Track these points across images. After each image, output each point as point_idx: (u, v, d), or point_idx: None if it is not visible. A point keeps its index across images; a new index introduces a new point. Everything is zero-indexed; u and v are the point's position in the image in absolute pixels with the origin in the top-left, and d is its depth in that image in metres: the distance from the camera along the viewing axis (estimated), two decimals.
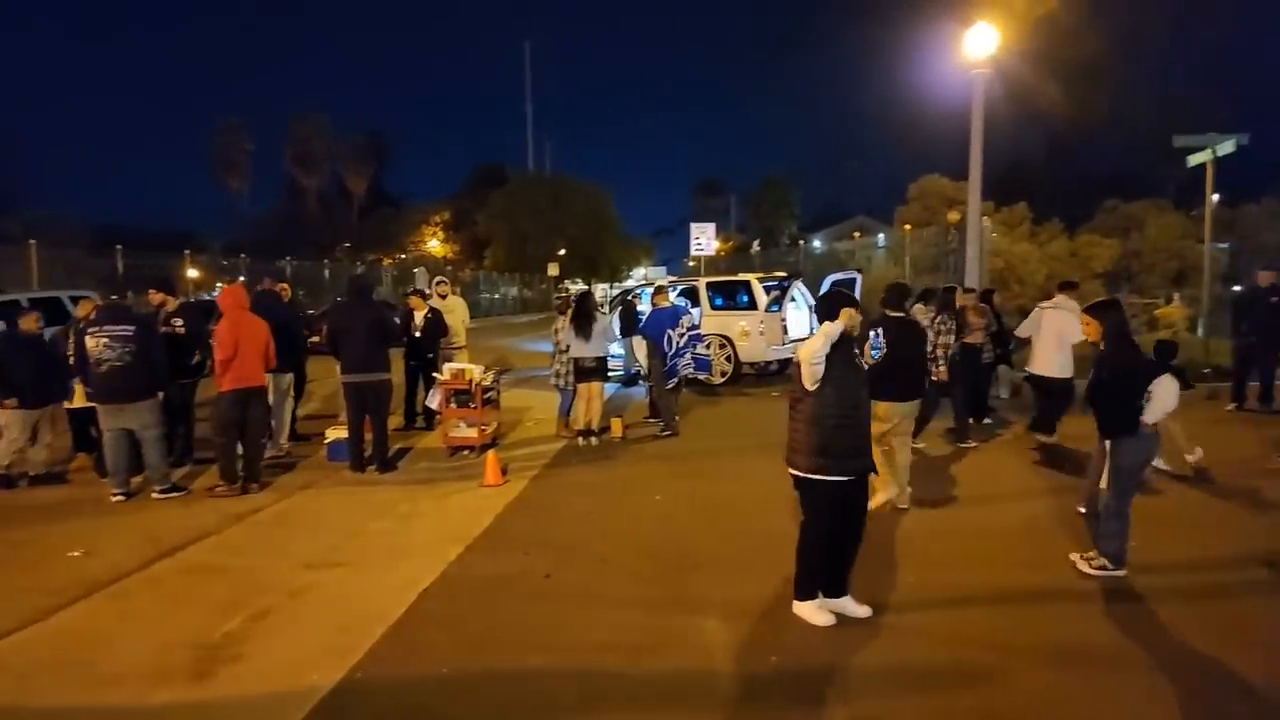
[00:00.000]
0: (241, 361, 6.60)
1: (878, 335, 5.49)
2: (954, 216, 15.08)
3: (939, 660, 3.69)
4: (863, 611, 4.10)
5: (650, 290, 14.26)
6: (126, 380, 6.38)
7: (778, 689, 3.48)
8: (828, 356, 3.84)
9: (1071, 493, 6.10)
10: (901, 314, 6.03)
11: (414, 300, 9.49)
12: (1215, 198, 13.62)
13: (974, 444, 7.92)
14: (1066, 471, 6.84)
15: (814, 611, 4.05)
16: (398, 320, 9.11)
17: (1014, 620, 4.08)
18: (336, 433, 7.68)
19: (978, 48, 11.33)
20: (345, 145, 59.72)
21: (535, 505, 6.33)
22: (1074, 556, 4.74)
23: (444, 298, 10.05)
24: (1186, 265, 21.20)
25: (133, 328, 6.45)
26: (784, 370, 13.49)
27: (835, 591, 4.13)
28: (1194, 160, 12.68)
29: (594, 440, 8.36)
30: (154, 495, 6.54)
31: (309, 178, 59.34)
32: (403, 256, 50.83)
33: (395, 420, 8.99)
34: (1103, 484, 4.74)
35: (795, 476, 4.10)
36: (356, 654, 3.78)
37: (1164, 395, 4.46)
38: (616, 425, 8.75)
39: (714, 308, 13.11)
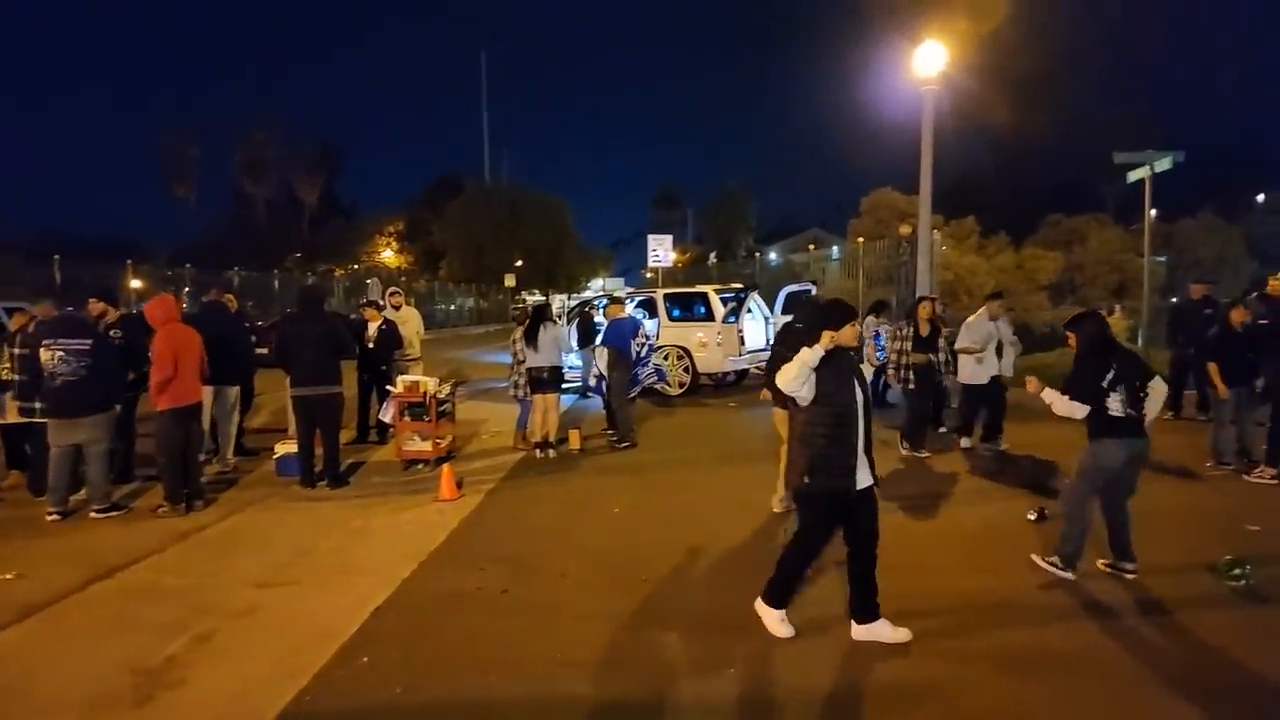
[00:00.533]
0: (180, 379, 6.31)
1: (879, 336, 5.57)
2: (905, 229, 15.39)
3: (898, 671, 3.71)
4: (900, 636, 3.91)
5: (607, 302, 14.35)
6: (82, 394, 6.16)
7: (738, 703, 3.46)
8: (817, 371, 3.78)
9: (1018, 500, 6.23)
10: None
11: (369, 311, 9.35)
12: (1153, 213, 14.09)
13: (926, 453, 8.05)
14: (1013, 480, 7.00)
15: (776, 622, 4.03)
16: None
17: (970, 628, 4.13)
18: (286, 447, 7.49)
19: (927, 65, 11.59)
20: (297, 153, 58.60)
21: (491, 519, 6.24)
22: (1034, 556, 4.93)
23: (397, 308, 9.92)
24: (1126, 278, 21.91)
25: (90, 341, 6.27)
26: (741, 381, 13.59)
27: (865, 617, 3.98)
28: (1133, 176, 13.11)
29: (552, 452, 8.29)
30: (93, 514, 6.29)
31: (258, 186, 58.07)
32: (355, 267, 50.01)
33: (348, 434, 8.83)
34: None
35: (793, 492, 4.04)
36: (305, 676, 3.66)
37: (1157, 395, 4.68)
38: (574, 437, 8.70)
39: (671, 319, 13.15)
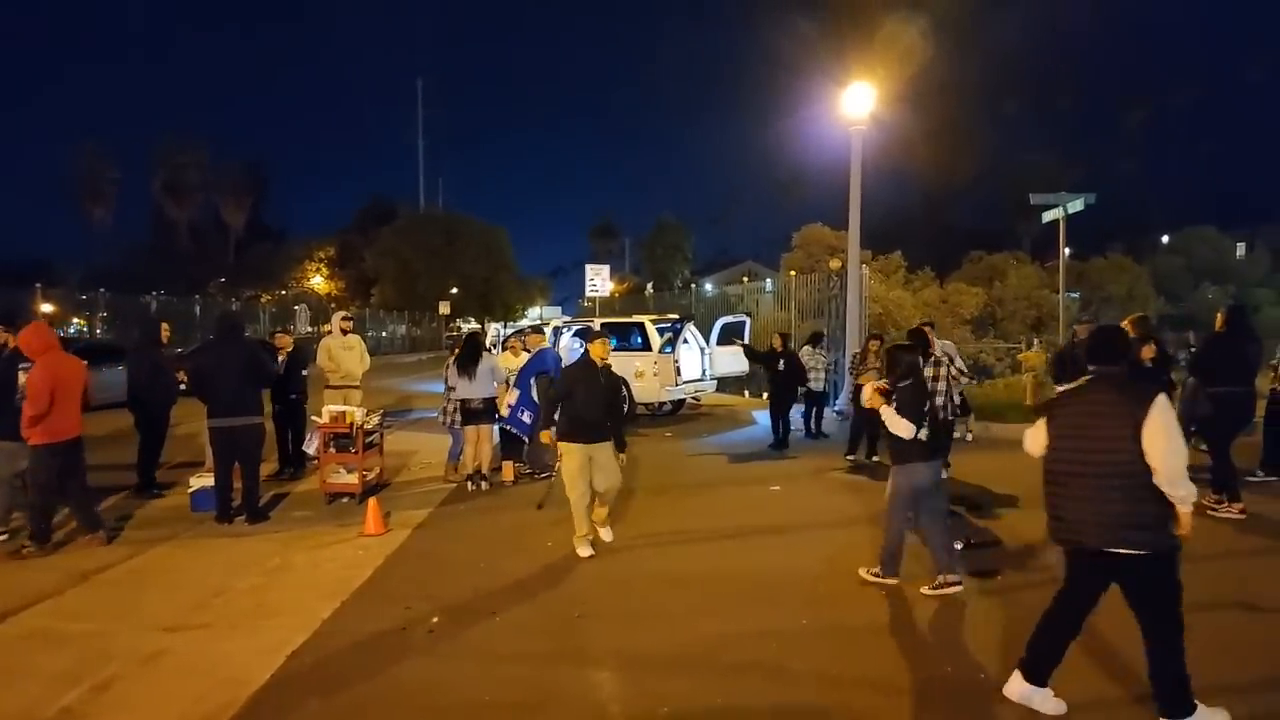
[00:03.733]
0: (58, 412, 5.86)
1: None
2: (835, 264, 15.79)
3: (825, 701, 3.71)
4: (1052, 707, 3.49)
5: (561, 330, 14.27)
6: None
7: None
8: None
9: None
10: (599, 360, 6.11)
11: (281, 338, 9.10)
12: (1067, 251, 14.83)
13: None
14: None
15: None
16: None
17: (856, 652, 4.17)
18: (201, 481, 7.14)
19: (855, 106, 11.99)
20: (222, 175, 56.82)
21: (419, 555, 6.05)
22: (861, 570, 5.26)
23: (345, 333, 9.63)
24: (1043, 313, 22.86)
25: None
26: (678, 411, 13.63)
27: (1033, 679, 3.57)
28: (1048, 216, 13.80)
29: (484, 484, 8.11)
30: None
31: (180, 208, 56.02)
32: (283, 293, 48.65)
33: (269, 466, 8.50)
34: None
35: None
36: None
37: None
38: (508, 469, 8.53)
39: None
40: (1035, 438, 3.65)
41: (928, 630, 4.52)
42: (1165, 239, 43.44)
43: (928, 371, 7.80)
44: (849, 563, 5.45)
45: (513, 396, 8.34)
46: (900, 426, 4.93)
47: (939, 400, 7.65)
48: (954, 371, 7.98)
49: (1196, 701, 3.28)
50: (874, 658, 4.17)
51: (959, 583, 4.99)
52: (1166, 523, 3.32)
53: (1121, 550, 3.31)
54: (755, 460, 9.67)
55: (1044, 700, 3.48)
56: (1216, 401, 6.95)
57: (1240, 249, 43.07)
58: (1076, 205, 12.99)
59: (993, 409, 11.84)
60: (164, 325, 8.54)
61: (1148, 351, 7.27)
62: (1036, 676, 3.52)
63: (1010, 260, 27.60)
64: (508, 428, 8.41)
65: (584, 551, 5.88)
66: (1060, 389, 4.61)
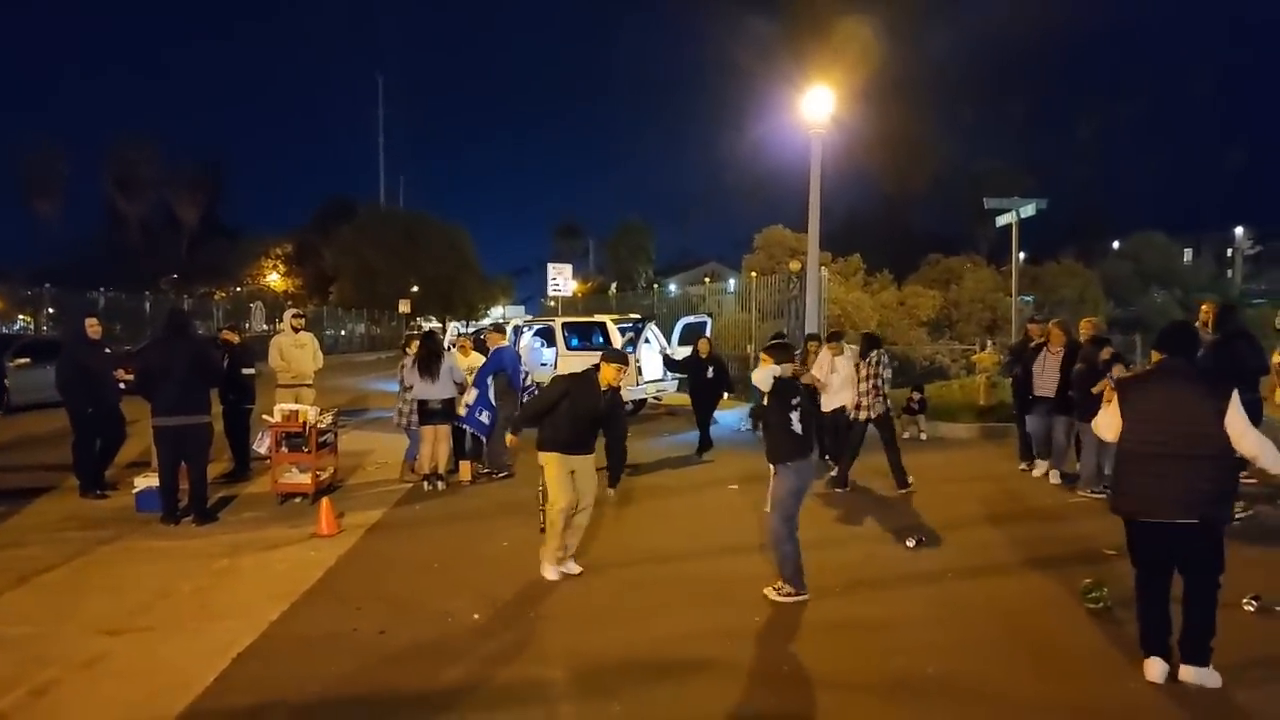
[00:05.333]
0: None
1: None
2: (795, 266, 15.90)
3: (778, 699, 3.74)
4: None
5: (521, 329, 14.19)
6: None
7: None
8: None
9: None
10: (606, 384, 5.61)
11: (227, 334, 8.93)
12: (1021, 255, 15.14)
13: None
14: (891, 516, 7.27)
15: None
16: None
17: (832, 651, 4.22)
18: (147, 480, 6.96)
19: (814, 110, 12.10)
20: (176, 171, 55.38)
21: (372, 556, 5.96)
22: (766, 590, 4.96)
23: (297, 330, 9.45)
24: (998, 316, 23.28)
25: None
26: (638, 411, 13.63)
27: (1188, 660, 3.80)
28: (1001, 221, 14.07)
29: (441, 485, 8.03)
30: None
31: (132, 203, 54.51)
32: (239, 290, 47.62)
33: (220, 466, 8.32)
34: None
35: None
36: None
37: None
38: (465, 469, 8.46)
39: (570, 348, 13.11)
40: (1110, 423, 3.93)
41: (879, 626, 4.58)
42: (1115, 244, 44.59)
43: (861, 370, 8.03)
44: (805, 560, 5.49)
45: (471, 396, 8.29)
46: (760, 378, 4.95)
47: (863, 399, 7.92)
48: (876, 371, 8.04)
49: None
50: (827, 655, 4.21)
51: (805, 596, 4.92)
52: (1230, 498, 3.79)
53: (1194, 521, 3.67)
54: (713, 461, 9.71)
55: (1210, 675, 3.72)
56: None
57: (1188, 254, 44.43)
58: (1029, 210, 13.26)
59: (947, 410, 12.05)
60: (91, 321, 7.96)
61: (1106, 353, 7.43)
62: (1190, 655, 3.74)
63: (967, 264, 28.09)
64: (465, 428, 8.37)
65: (552, 575, 5.34)
66: (1118, 376, 4.62)
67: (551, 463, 5.38)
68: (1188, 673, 3.73)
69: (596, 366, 5.60)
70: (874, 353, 8.12)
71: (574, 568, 5.46)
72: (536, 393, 8.62)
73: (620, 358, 5.66)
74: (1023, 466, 8.72)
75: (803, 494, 5.05)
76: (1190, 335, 4.14)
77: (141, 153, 52.68)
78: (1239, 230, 48.92)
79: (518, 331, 13.98)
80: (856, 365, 8.15)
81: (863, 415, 7.99)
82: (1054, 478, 8.10)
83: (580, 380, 5.56)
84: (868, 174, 44.29)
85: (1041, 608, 4.84)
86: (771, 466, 5.06)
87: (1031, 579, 5.33)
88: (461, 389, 8.29)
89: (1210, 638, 3.72)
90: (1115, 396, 3.94)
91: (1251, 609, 4.53)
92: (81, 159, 53.10)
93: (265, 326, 35.89)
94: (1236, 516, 5.94)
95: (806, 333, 11.14)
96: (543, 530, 5.66)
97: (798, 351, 9.10)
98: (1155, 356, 4.11)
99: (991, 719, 3.56)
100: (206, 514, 6.73)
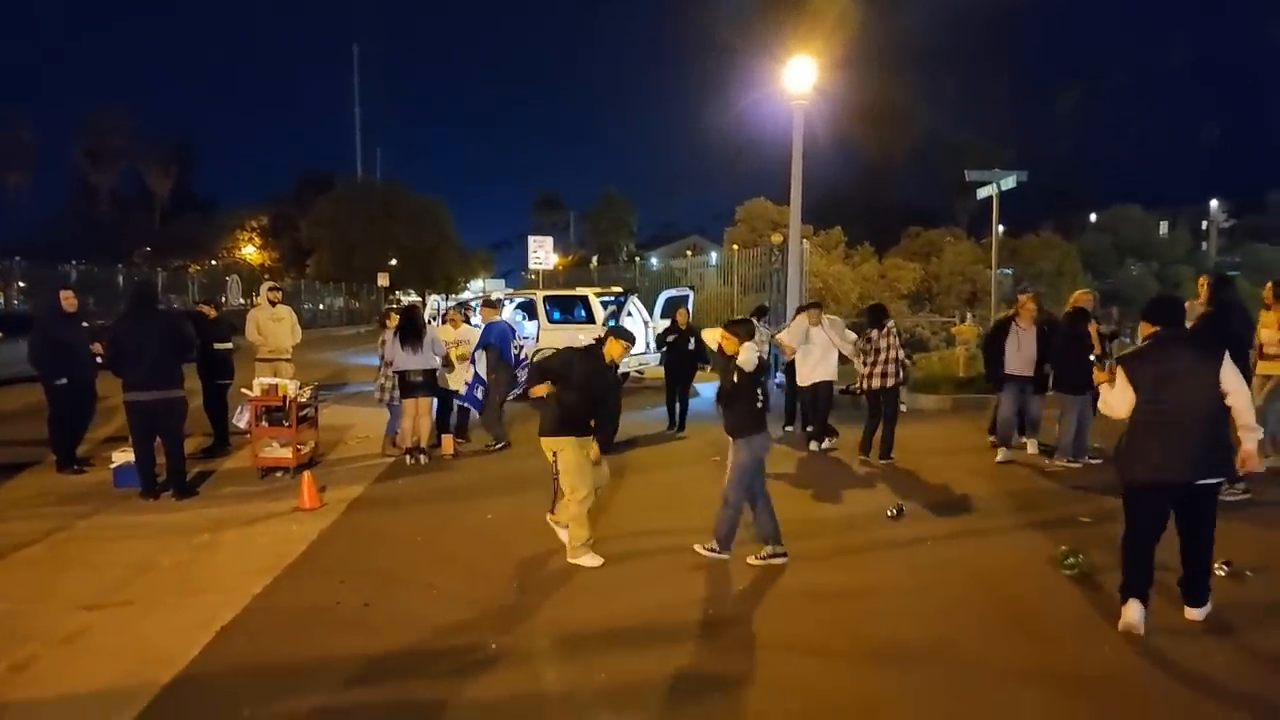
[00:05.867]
0: None
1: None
2: (777, 238, 15.92)
3: (756, 665, 3.79)
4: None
5: (502, 302, 14.08)
6: None
7: (607, 707, 3.43)
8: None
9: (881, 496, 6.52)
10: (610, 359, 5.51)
11: (204, 308, 8.90)
12: (1000, 228, 15.21)
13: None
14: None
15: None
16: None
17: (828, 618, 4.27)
18: (124, 455, 6.88)
19: (796, 81, 12.01)
20: (148, 143, 54.24)
21: (354, 529, 5.95)
22: (750, 559, 5.10)
23: (274, 304, 9.32)
24: (978, 288, 23.48)
25: None
26: (621, 384, 13.60)
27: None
28: (982, 193, 14.11)
29: (423, 458, 8.01)
30: None
31: (103, 175, 53.43)
32: (214, 263, 46.86)
33: (198, 440, 8.25)
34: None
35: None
36: (136, 707, 3.36)
37: None
38: (448, 442, 8.44)
39: (551, 321, 13.04)
40: (1122, 399, 4.04)
41: (860, 594, 4.64)
42: (1093, 217, 44.90)
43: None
44: (784, 530, 5.54)
45: (469, 373, 8.39)
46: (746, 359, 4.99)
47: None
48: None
49: None
50: (808, 622, 4.27)
51: (784, 554, 5.08)
52: (1231, 455, 4.01)
53: (1208, 480, 3.95)
54: (696, 434, 9.75)
55: (1208, 610, 4.10)
56: None
57: (1164, 227, 44.82)
58: (1009, 182, 13.30)
59: (928, 382, 12.15)
60: (66, 294, 7.72)
61: (1094, 326, 7.44)
62: (1196, 598, 4.10)
63: (947, 237, 28.26)
64: (463, 405, 8.59)
65: (592, 561, 5.10)
66: (1117, 355, 4.65)
67: (568, 449, 5.12)
68: (1194, 613, 4.09)
69: (599, 341, 5.45)
70: (889, 322, 8.12)
71: (565, 535, 5.34)
72: (525, 359, 8.74)
73: (628, 335, 5.50)
74: (992, 440, 8.38)
75: (762, 464, 5.19)
76: (1177, 305, 4.39)
77: (112, 123, 51.58)
78: (1214, 204, 49.43)
79: (498, 304, 13.87)
80: (870, 335, 8.01)
81: (877, 384, 7.94)
82: (1031, 447, 8.20)
83: (587, 356, 5.36)
84: (849, 145, 44.15)
85: (1019, 575, 4.92)
86: (732, 440, 5.17)
87: (1009, 547, 5.41)
88: (444, 361, 8.27)
89: (1207, 580, 4.09)
90: (1120, 373, 4.06)
91: (1223, 573, 4.63)
92: (51, 130, 51.80)
93: (242, 300, 35.38)
94: (1234, 499, 5.99)
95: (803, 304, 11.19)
96: (552, 513, 5.42)
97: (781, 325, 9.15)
98: (1146, 329, 4.26)
99: (971, 683, 3.62)
100: (185, 488, 6.67)
